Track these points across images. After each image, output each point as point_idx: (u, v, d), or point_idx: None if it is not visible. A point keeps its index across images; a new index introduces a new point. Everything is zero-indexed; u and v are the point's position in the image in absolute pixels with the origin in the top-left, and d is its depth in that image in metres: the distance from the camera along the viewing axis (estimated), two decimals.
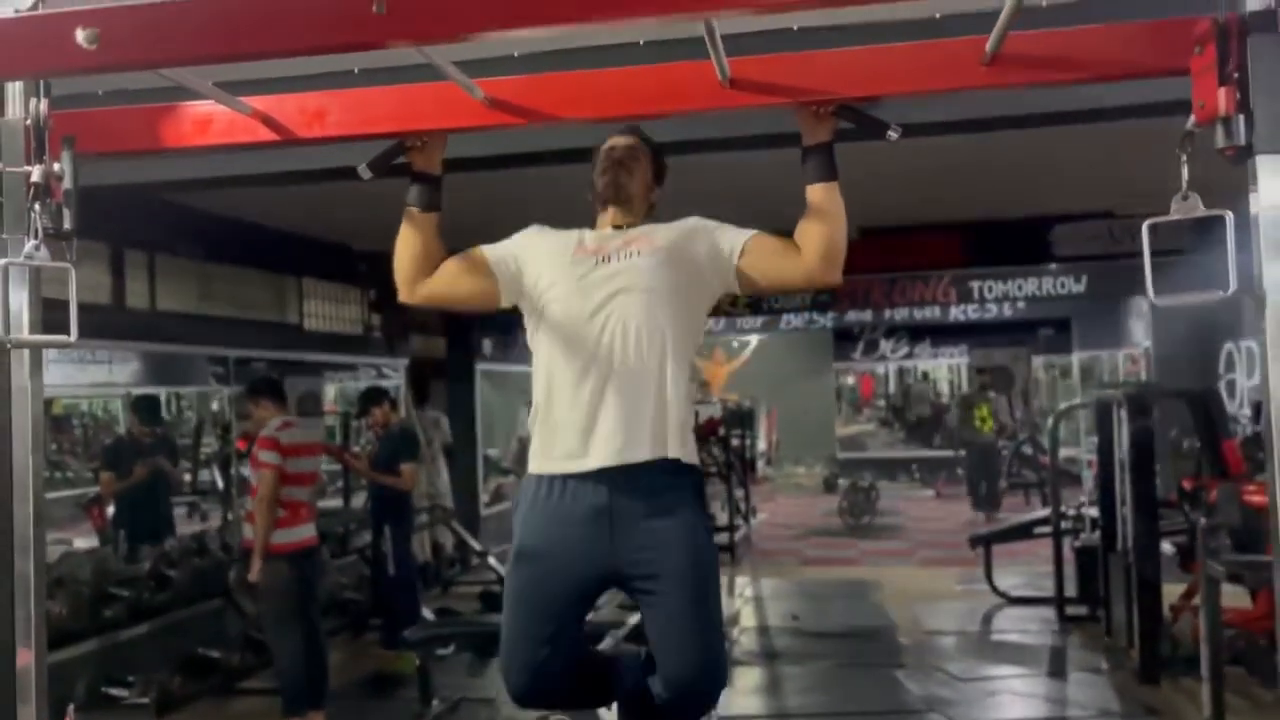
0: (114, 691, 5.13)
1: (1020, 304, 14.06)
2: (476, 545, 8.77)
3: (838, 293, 11.98)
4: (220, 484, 7.72)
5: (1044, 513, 7.87)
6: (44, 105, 1.98)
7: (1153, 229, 1.88)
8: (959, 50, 2.04)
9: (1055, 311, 15.34)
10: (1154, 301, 1.89)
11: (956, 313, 15.03)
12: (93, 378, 7.52)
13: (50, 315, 2.01)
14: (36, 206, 1.92)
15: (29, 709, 1.94)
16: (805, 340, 17.74)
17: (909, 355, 17.90)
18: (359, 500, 8.44)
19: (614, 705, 2.48)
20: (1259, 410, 7.96)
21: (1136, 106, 3.11)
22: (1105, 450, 6.27)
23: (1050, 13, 2.86)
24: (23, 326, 1.98)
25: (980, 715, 5.41)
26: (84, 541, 6.39)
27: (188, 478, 7.40)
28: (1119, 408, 5.79)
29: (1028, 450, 13.86)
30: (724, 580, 8.58)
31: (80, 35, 1.72)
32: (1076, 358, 16.44)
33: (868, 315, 16.06)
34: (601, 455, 2.20)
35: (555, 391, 2.26)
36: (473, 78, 2.10)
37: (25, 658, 1.97)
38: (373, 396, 7.16)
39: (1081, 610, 6.80)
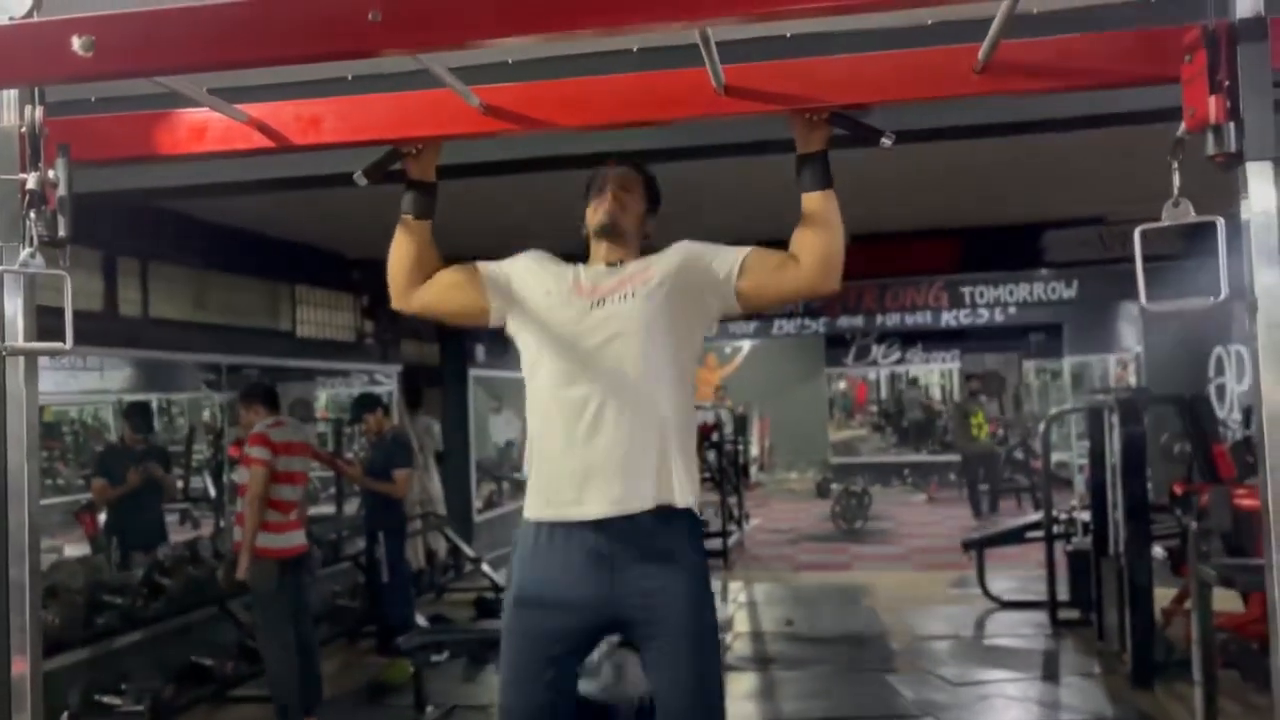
0: (107, 700, 5.12)
1: (1012, 309, 14.13)
2: (470, 551, 8.78)
3: (830, 298, 12.01)
4: (212, 491, 7.70)
5: (1036, 517, 7.89)
6: (39, 112, 1.98)
7: (1144, 235, 1.89)
8: (952, 58, 2.05)
9: (1046, 317, 15.40)
10: (1146, 307, 1.90)
11: (948, 318, 15.10)
12: (83, 385, 7.50)
13: (43, 322, 2.01)
14: (32, 214, 1.93)
15: (24, 718, 1.93)
16: (797, 346, 17.77)
17: (901, 360, 17.94)
18: (351, 507, 8.43)
19: None
20: (1249, 414, 8.02)
21: (1128, 114, 3.13)
22: (1097, 455, 6.29)
23: (1042, 21, 2.87)
24: (18, 334, 1.98)
25: None
26: (75, 549, 6.36)
27: (180, 485, 7.37)
28: (1111, 412, 5.81)
29: (1019, 455, 13.90)
30: (717, 585, 8.61)
31: (76, 43, 1.73)
32: (1067, 362, 16.49)
33: (859, 321, 16.13)
34: (600, 505, 2.19)
35: (550, 437, 2.25)
36: (467, 85, 2.11)
37: (20, 666, 1.96)
38: (366, 403, 7.16)
39: (1074, 614, 6.82)
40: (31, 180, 1.92)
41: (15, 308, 1.97)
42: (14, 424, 1.97)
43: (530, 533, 2.27)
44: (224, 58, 1.69)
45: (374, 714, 5.79)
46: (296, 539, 5.12)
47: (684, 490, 2.22)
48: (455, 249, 2.48)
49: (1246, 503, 4.90)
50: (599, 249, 2.37)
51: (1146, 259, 1.91)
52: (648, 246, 2.42)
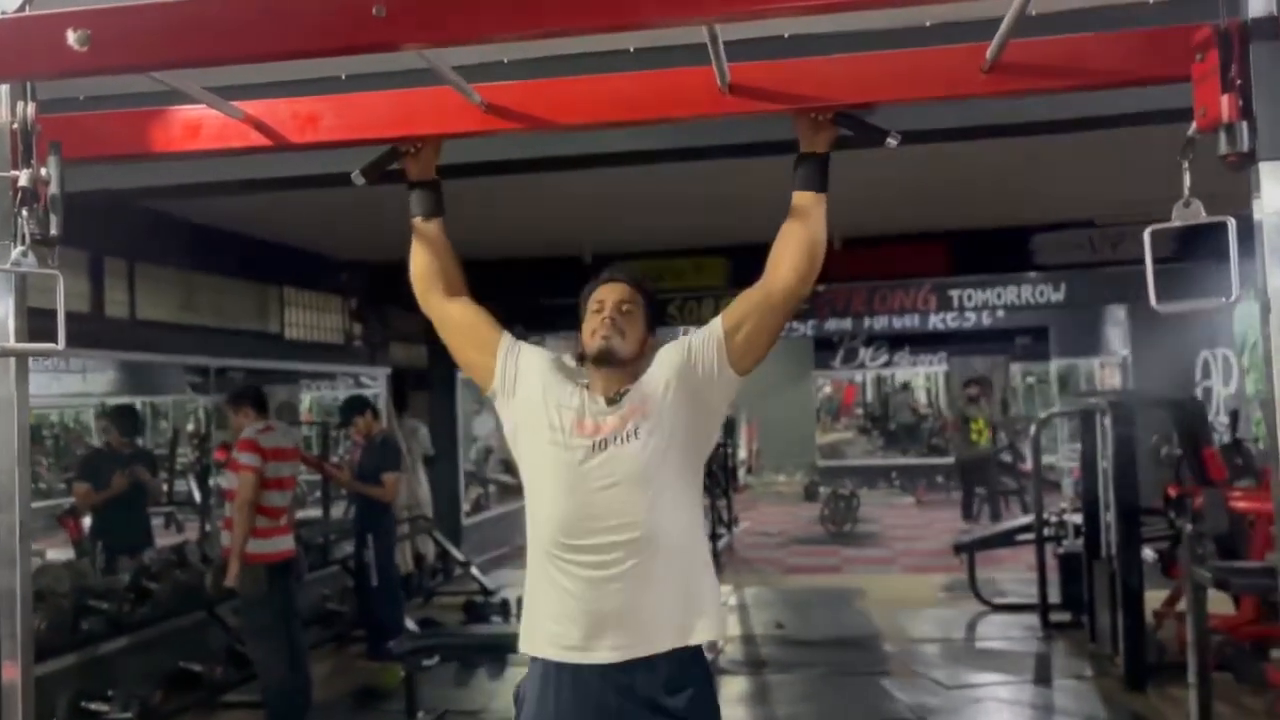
0: (94, 706, 5.05)
1: (1000, 312, 14.15)
2: (459, 555, 8.73)
3: (818, 301, 12.02)
4: (197, 495, 7.64)
5: (1026, 520, 7.89)
6: (31, 108, 1.94)
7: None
8: (959, 57, 2.04)
9: (1033, 320, 15.45)
10: (1157, 308, 1.89)
11: (936, 321, 15.11)
12: (66, 388, 7.42)
13: (30, 323, 1.97)
14: (24, 212, 1.89)
15: None
16: (785, 349, 17.74)
17: (888, 364, 17.96)
18: (338, 510, 8.37)
19: None
20: (1235, 417, 8.06)
21: (1131, 115, 3.11)
22: (1089, 457, 6.30)
23: (1044, 21, 2.86)
24: (9, 334, 1.94)
25: None
26: (58, 553, 6.29)
27: (164, 488, 7.30)
28: (1103, 415, 5.82)
29: (1006, 458, 13.92)
30: None
31: (71, 37, 1.69)
32: (1054, 365, 16.54)
33: (848, 324, 16.13)
34: (607, 652, 2.10)
35: (553, 574, 2.15)
36: (467, 83, 2.08)
37: (11, 672, 1.92)
38: (355, 405, 7.10)
39: (1065, 617, 6.82)
40: (23, 178, 1.88)
41: (7, 308, 1.93)
42: (4, 427, 1.93)
43: (537, 675, 2.19)
44: (226, 52, 1.66)
45: (364, 719, 5.74)
46: (285, 544, 5.08)
47: (691, 629, 2.14)
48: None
49: (1241, 505, 4.91)
50: (597, 377, 2.24)
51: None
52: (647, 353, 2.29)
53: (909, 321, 15.13)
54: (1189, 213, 1.88)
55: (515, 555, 11.05)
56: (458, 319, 2.32)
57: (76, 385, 7.47)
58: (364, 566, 6.74)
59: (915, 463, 16.99)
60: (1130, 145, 5.15)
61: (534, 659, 2.21)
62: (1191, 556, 4.26)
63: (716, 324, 2.20)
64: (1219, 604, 5.13)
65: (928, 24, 3.08)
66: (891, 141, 2.11)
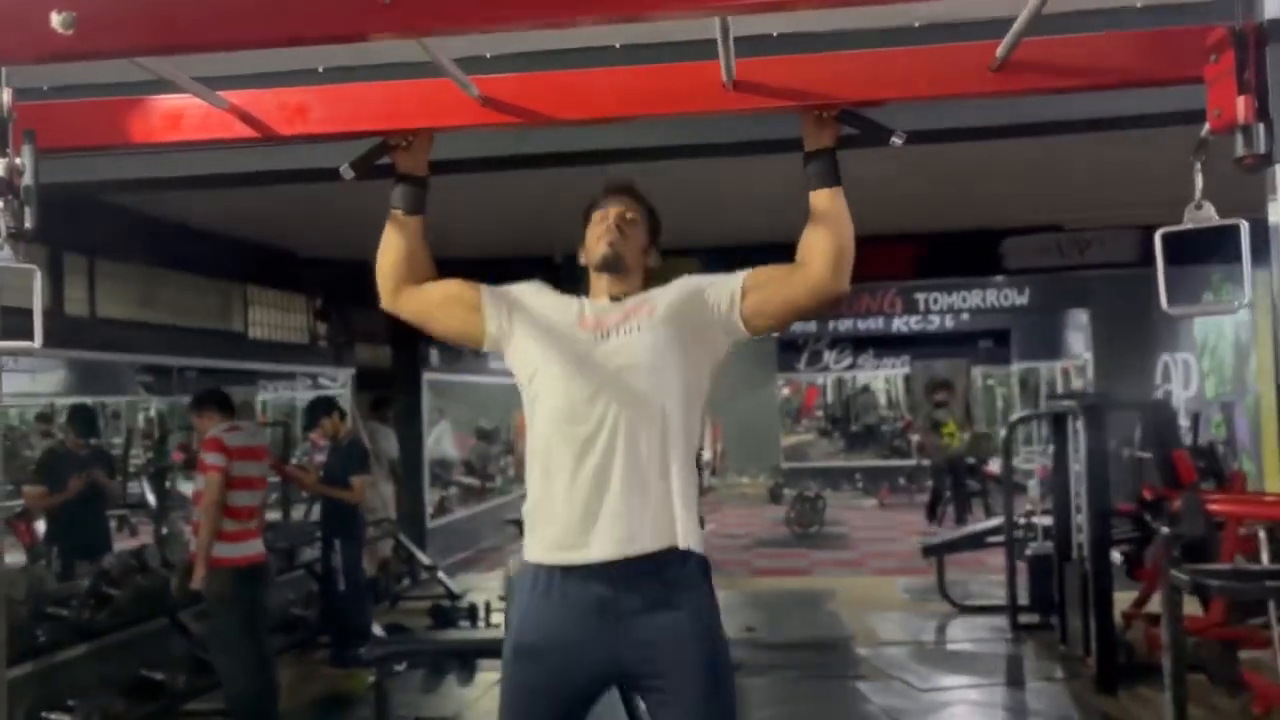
0: (53, 716, 4.89)
1: (964, 315, 14.29)
2: (425, 559, 8.61)
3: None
4: (152, 499, 7.45)
5: (996, 521, 7.93)
6: (7, 95, 1.85)
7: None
8: (968, 55, 2.01)
9: (996, 323, 15.62)
10: (1169, 311, 1.87)
11: (900, 324, 15.23)
12: (11, 386, 7.18)
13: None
14: None
15: None
16: (750, 350, 17.77)
17: (852, 366, 18.07)
18: (298, 513, 8.21)
19: None
20: (1196, 420, 8.18)
21: (1134, 117, 3.10)
22: (1060, 459, 6.33)
23: (1052, 21, 2.85)
24: None
25: None
26: (10, 558, 6.10)
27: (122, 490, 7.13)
28: (1075, 418, 5.85)
29: (970, 460, 14.03)
30: None
31: (56, 20, 1.61)
32: (1015, 369, 16.73)
33: (812, 326, 16.20)
34: (603, 547, 2.09)
35: (552, 477, 2.15)
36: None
37: None
38: (323, 406, 6.96)
39: (1034, 619, 6.86)
40: (0, 167, 1.80)
41: None
42: None
43: (529, 580, 2.17)
44: (224, 37, 1.58)
45: None
46: (254, 548, 4.95)
47: (690, 534, 2.14)
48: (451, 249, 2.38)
49: (1217, 508, 4.95)
50: (600, 282, 2.26)
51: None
52: (649, 277, 2.32)
53: (875, 324, 15.26)
54: (1200, 215, 1.87)
55: (481, 559, 10.94)
56: (440, 295, 2.29)
57: (24, 384, 7.24)
58: (330, 571, 6.62)
59: (879, 464, 17.09)
60: (1104, 149, 5.19)
61: (526, 567, 2.20)
62: (1168, 559, 4.28)
63: (740, 274, 2.22)
64: (1186, 605, 5.18)
65: (915, 25, 3.06)
66: (896, 140, 2.08)
